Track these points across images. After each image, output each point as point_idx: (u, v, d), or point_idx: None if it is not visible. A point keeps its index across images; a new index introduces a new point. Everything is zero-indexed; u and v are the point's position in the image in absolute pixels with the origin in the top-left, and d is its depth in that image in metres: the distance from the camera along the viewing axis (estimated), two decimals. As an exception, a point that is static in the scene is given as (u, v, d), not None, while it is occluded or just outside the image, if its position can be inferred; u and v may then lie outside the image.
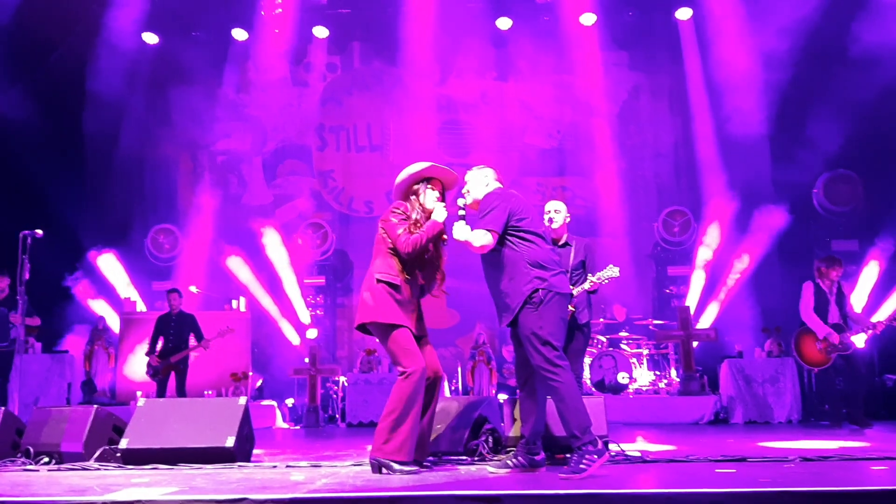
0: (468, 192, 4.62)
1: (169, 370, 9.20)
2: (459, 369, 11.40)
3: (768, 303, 10.95)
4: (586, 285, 5.77)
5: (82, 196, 12.27)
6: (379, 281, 4.52)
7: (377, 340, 4.61)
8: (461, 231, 4.37)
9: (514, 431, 4.97)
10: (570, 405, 4.09)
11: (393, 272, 4.54)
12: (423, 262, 4.68)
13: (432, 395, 4.57)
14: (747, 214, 11.34)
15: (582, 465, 3.94)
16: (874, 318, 8.40)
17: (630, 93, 13.36)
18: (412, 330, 4.50)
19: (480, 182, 4.62)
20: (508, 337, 12.25)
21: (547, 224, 5.73)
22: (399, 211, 4.65)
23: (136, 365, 11.05)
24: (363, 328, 4.61)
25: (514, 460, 4.37)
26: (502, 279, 4.34)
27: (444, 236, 4.67)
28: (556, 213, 5.85)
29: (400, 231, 4.55)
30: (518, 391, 4.57)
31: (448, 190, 4.87)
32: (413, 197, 4.74)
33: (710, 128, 12.26)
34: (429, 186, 4.73)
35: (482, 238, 4.29)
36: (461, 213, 4.49)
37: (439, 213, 4.63)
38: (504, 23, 12.71)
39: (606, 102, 12.79)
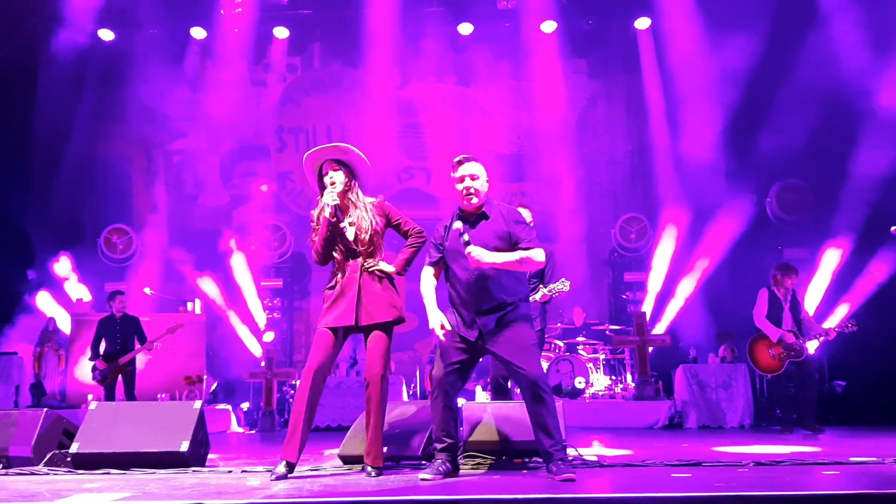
0: (480, 187, 4.31)
1: (117, 373, 8.80)
2: (418, 373, 11.37)
3: (722, 309, 11.11)
4: (537, 296, 5.89)
5: (31, 195, 11.96)
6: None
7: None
8: (510, 255, 4.19)
9: (473, 436, 4.95)
10: (556, 415, 4.21)
11: (328, 280, 4.64)
12: (343, 253, 4.55)
13: (371, 395, 4.49)
14: (702, 222, 11.51)
15: (570, 467, 4.10)
16: (826, 325, 8.57)
17: (588, 100, 13.45)
18: (330, 325, 4.46)
19: (485, 176, 4.37)
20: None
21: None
22: (312, 222, 4.64)
23: (87, 368, 10.82)
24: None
25: (443, 466, 4.29)
26: (505, 277, 4.28)
27: (333, 219, 4.47)
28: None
29: (311, 241, 4.61)
30: (440, 397, 4.34)
31: (356, 167, 4.59)
32: (319, 198, 4.61)
33: (665, 136, 12.42)
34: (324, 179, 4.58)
35: (541, 254, 4.30)
36: (466, 238, 4.17)
37: (326, 198, 4.48)
38: (465, 28, 12.73)
39: (565, 109, 12.85)
